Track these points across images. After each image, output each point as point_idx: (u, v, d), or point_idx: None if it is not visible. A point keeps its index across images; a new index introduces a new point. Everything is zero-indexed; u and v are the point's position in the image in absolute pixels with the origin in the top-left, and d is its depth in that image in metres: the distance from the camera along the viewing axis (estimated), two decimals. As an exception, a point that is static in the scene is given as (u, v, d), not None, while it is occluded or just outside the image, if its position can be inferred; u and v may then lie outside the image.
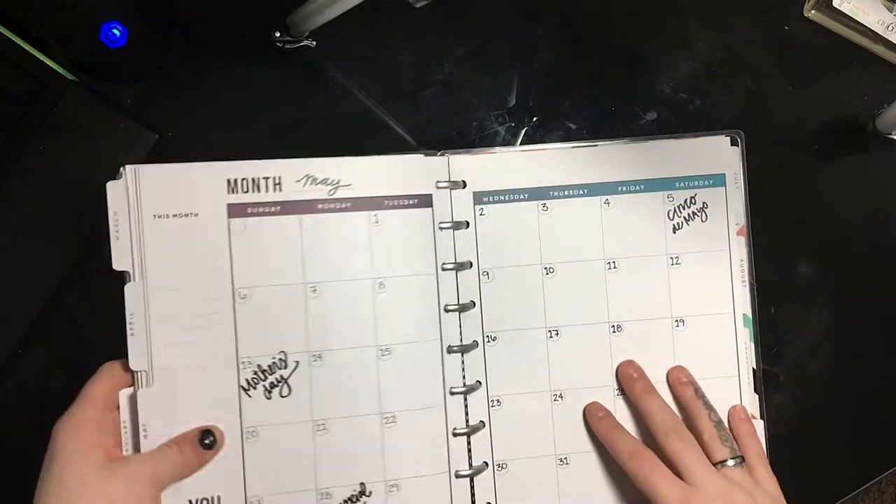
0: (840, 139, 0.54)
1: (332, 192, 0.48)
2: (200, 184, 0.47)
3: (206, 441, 0.46)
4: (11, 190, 0.50)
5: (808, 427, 0.51)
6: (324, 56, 0.53)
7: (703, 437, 0.48)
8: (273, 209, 0.48)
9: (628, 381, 0.51)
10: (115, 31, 0.47)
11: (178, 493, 0.47)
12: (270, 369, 0.48)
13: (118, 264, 0.46)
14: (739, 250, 0.52)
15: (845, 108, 0.54)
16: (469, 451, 0.50)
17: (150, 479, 0.44)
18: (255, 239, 0.48)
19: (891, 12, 0.52)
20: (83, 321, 0.52)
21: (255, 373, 0.48)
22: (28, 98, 0.50)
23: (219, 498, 0.47)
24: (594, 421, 0.51)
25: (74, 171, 0.50)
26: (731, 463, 0.47)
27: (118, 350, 0.50)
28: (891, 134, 0.53)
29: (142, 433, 0.46)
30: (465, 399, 0.50)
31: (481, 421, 0.50)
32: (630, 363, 0.51)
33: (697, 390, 0.50)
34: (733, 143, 0.52)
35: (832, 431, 0.53)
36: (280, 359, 0.48)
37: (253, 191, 0.48)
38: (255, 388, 0.48)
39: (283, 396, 0.48)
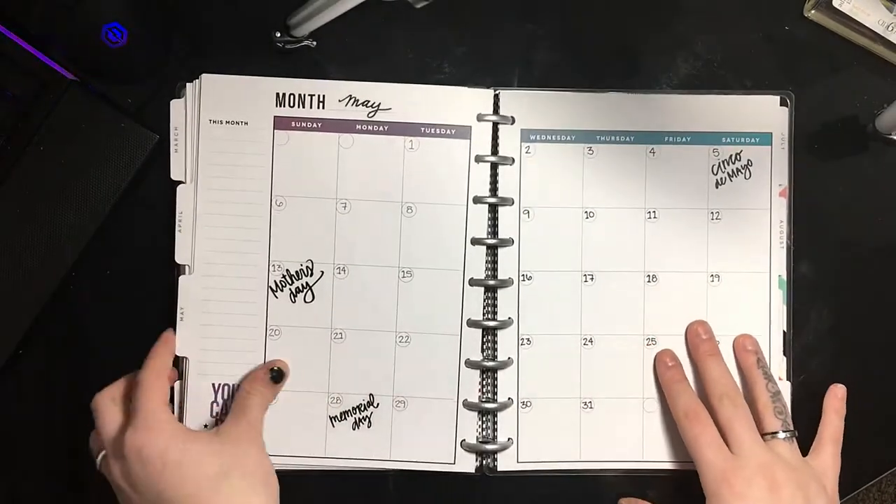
0: (840, 139, 0.54)
1: (371, 115, 0.51)
2: (253, 95, 0.51)
3: (275, 375, 0.49)
4: (12, 190, 0.50)
5: (809, 427, 0.51)
6: (324, 56, 0.53)
7: (758, 406, 0.48)
8: (315, 125, 0.51)
9: (695, 340, 0.51)
10: (115, 31, 0.47)
11: (204, 376, 0.50)
12: (298, 275, 0.51)
13: (175, 174, 0.51)
14: (780, 211, 0.52)
15: (845, 108, 0.54)
16: (495, 385, 0.51)
17: (255, 429, 0.47)
18: (296, 151, 0.51)
19: (891, 12, 0.52)
20: (83, 321, 0.52)
21: (284, 276, 0.51)
22: (28, 98, 0.50)
23: (239, 385, 0.50)
24: (662, 368, 0.51)
25: (75, 171, 0.50)
26: (781, 436, 0.47)
27: (119, 350, 0.50)
28: (891, 134, 0.53)
29: (178, 316, 0.50)
30: (496, 334, 0.51)
31: (510, 357, 0.51)
32: (702, 323, 0.51)
33: (760, 360, 0.50)
34: (783, 103, 0.52)
35: (832, 431, 0.53)
36: (307, 266, 0.51)
37: (298, 106, 0.51)
38: (282, 290, 0.51)
39: (306, 302, 0.51)
